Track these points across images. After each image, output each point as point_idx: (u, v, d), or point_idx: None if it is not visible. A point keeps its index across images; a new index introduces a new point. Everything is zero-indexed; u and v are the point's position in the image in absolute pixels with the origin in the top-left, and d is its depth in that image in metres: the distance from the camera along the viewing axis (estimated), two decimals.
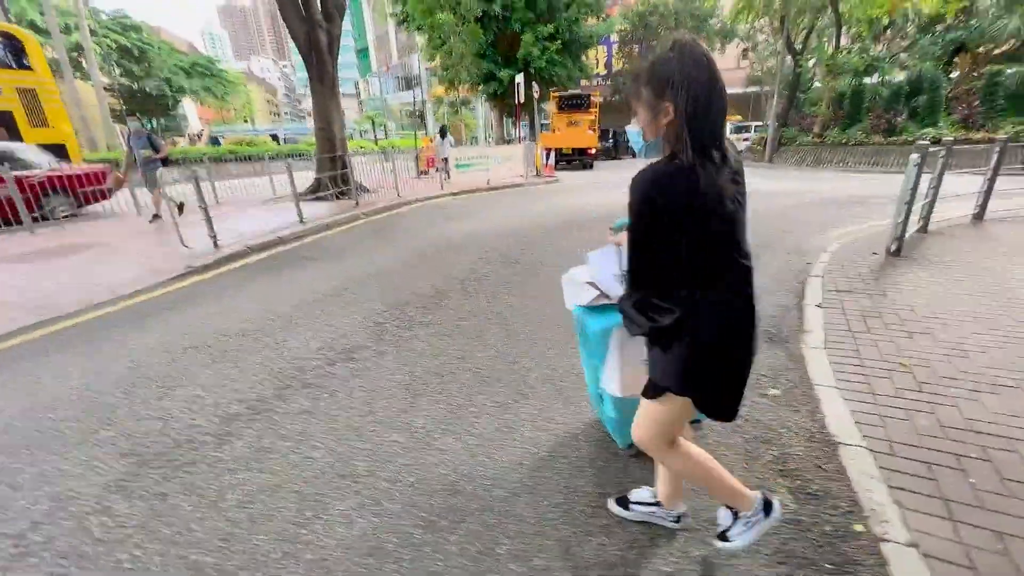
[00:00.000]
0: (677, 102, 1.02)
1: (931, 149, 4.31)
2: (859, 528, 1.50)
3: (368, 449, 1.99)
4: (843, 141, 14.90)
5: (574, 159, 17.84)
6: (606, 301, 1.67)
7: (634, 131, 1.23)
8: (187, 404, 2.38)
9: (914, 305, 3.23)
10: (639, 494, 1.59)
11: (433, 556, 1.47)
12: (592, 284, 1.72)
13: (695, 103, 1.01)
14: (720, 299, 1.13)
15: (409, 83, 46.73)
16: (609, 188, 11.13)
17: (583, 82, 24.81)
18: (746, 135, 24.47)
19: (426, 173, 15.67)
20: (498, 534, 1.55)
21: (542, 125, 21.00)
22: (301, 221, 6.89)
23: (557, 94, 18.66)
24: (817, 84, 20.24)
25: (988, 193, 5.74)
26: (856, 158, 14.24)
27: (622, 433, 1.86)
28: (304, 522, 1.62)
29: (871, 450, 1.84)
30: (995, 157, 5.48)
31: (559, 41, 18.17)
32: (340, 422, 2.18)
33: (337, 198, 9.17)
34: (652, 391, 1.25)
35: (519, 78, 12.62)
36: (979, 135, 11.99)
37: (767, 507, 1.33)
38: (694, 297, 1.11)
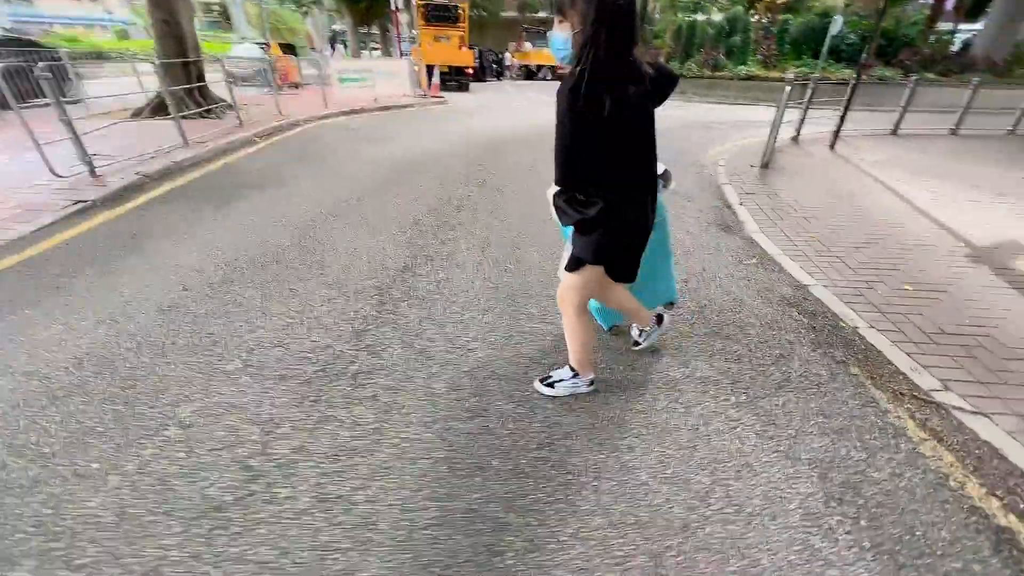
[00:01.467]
0: (600, 8, 1.13)
1: (788, 87, 5.69)
2: (843, 325, 2.47)
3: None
4: (683, 74, 17.29)
5: (451, 79, 16.97)
6: None
7: (561, 36, 1.24)
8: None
9: (794, 201, 4.55)
10: (560, 373, 1.88)
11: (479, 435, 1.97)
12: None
13: (618, 18, 1.15)
14: (632, 195, 1.42)
15: None
16: (505, 111, 11.24)
17: None
18: None
19: (281, 88, 13.33)
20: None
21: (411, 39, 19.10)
22: (186, 143, 5.62)
23: (423, 3, 17.00)
24: (656, 14, 22.44)
25: (801, 121, 7.74)
26: (693, 89, 16.77)
27: (604, 317, 2.30)
28: None
29: (824, 287, 2.87)
30: (809, 93, 7.36)
31: None
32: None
33: (198, 117, 7.45)
34: (573, 264, 1.55)
35: None
36: (775, 73, 15.25)
37: (659, 320, 2.07)
38: (614, 193, 1.37)
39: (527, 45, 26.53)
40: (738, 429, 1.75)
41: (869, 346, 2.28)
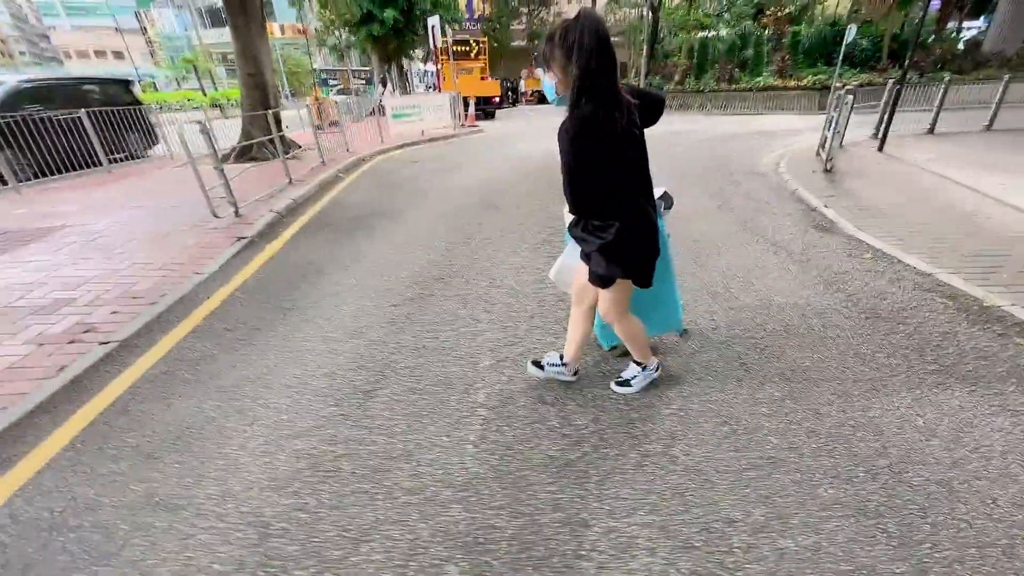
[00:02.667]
0: (579, 63, 1.29)
1: (840, 94, 6.10)
2: (988, 304, 2.76)
3: None
4: (700, 88, 17.93)
5: (479, 108, 17.83)
6: None
7: (549, 84, 1.45)
8: None
9: (874, 200, 4.88)
10: (550, 358, 2.13)
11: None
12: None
13: (593, 63, 1.29)
14: (641, 209, 1.57)
15: (219, 17, 38.59)
16: (541, 137, 11.83)
17: (454, 26, 24.11)
18: None
19: (320, 128, 14.13)
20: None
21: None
22: (291, 182, 6.14)
23: (446, 38, 18.01)
24: (663, 35, 23.34)
25: (845, 127, 8.12)
26: (713, 103, 17.38)
27: (607, 336, 2.35)
28: None
29: (949, 273, 3.16)
30: (851, 100, 7.76)
31: None
32: None
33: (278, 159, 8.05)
34: (606, 282, 1.68)
35: (433, 20, 11.98)
36: (792, 83, 15.79)
37: (658, 367, 2.09)
38: (624, 212, 1.51)
39: (539, 72, 27.75)
40: (951, 396, 2.05)
41: (1022, 321, 2.57)
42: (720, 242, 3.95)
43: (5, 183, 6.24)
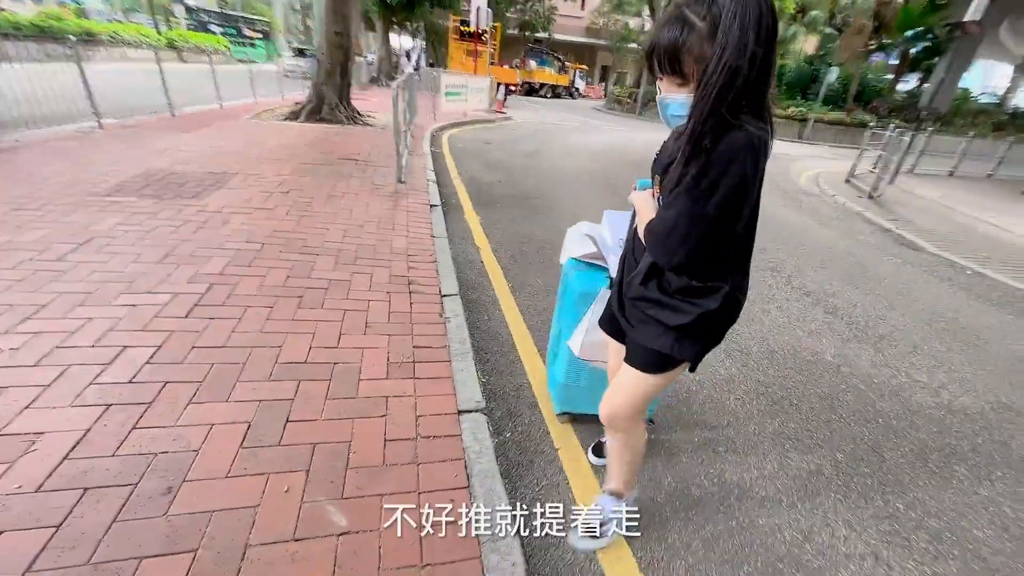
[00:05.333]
0: (745, 53, 0.78)
1: (891, 134, 7.26)
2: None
3: None
4: None
5: None
6: (596, 261, 1.65)
7: (678, 101, 0.91)
8: None
9: (930, 226, 6.00)
10: (595, 511, 1.47)
11: None
12: (591, 238, 1.63)
13: (763, 54, 0.80)
14: (748, 268, 1.09)
15: None
16: (572, 127, 12.31)
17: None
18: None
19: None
20: None
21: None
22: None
23: (457, 20, 17.78)
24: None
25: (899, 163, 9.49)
26: None
27: (561, 399, 1.86)
28: None
29: None
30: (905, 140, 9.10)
31: None
32: None
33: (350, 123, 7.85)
34: (661, 366, 1.15)
35: (479, 2, 11.92)
36: (779, 111, 17.63)
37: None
38: (737, 272, 1.05)
39: (531, 63, 28.09)
40: None
41: None
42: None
43: None
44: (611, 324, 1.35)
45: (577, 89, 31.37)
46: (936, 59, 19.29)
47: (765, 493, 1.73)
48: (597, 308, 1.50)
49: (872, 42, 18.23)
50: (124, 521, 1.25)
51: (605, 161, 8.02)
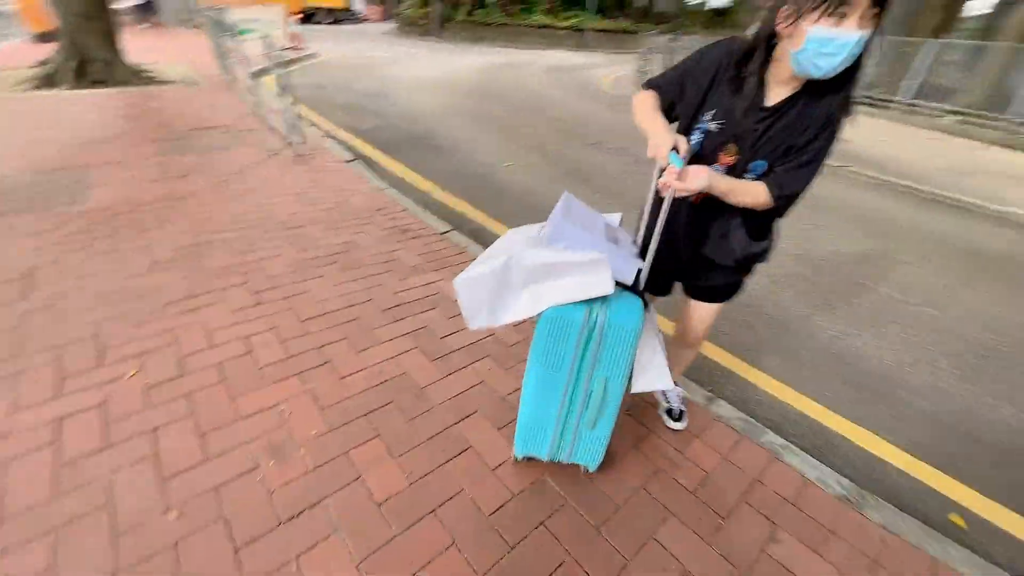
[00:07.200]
0: None
1: (655, 39, 9.21)
2: None
3: None
4: (488, 22, 19.73)
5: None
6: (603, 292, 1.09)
7: (856, 37, 0.84)
8: None
9: None
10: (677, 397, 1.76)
11: None
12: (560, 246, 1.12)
13: None
14: None
15: None
16: (385, 63, 11.80)
17: None
18: None
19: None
20: None
21: None
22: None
23: None
24: None
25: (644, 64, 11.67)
26: (504, 39, 19.50)
27: (530, 437, 1.41)
28: None
29: None
30: (648, 41, 11.23)
31: None
32: None
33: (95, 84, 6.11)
34: (729, 296, 1.42)
35: None
36: (562, 23, 19.39)
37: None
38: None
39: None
40: None
41: None
42: None
43: None
44: (656, 283, 1.41)
45: (356, 12, 28.40)
46: None
47: None
48: (652, 330, 1.26)
49: None
50: None
51: (458, 94, 8.26)
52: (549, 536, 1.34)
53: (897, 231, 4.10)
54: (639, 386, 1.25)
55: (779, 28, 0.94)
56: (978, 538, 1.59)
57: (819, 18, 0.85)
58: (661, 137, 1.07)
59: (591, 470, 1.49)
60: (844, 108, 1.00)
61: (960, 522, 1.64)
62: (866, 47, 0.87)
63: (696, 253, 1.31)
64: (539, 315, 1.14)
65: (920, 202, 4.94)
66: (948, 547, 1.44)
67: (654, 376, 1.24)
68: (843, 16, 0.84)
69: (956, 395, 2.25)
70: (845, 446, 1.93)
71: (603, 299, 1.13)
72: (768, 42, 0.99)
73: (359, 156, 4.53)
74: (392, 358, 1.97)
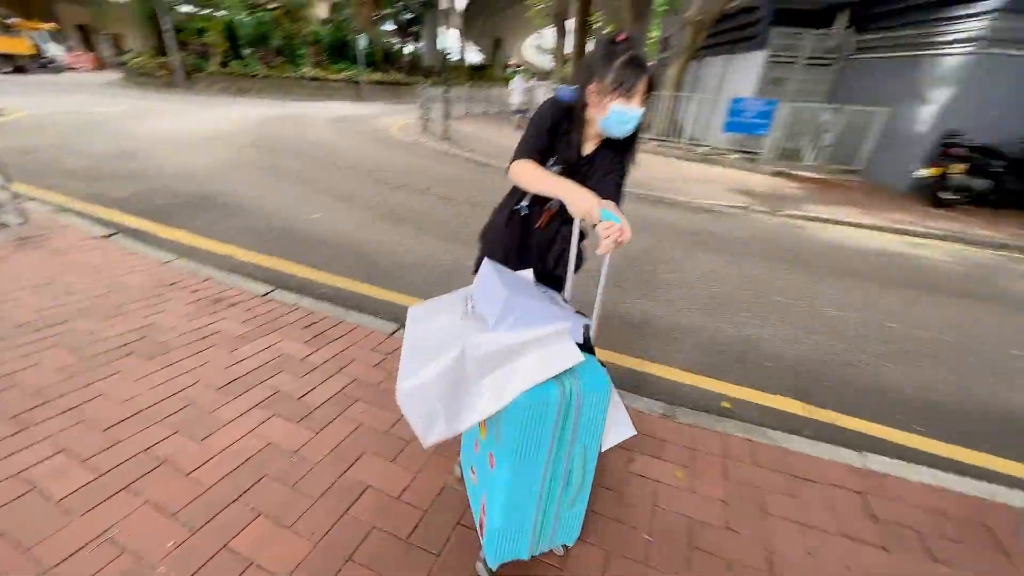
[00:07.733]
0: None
1: (434, 91, 10.19)
2: None
3: None
4: (252, 74, 18.28)
5: None
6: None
7: (640, 111, 1.25)
8: None
9: (481, 146, 9.33)
10: None
11: None
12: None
13: None
14: None
15: None
16: (120, 118, 9.94)
17: None
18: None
19: None
20: None
21: None
22: None
23: None
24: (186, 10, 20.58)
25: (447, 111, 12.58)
26: (271, 91, 18.27)
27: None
28: None
29: None
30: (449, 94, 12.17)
31: None
32: None
33: None
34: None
35: None
36: (334, 75, 19.32)
37: None
38: None
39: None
40: None
41: None
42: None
43: None
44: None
45: (52, 60, 22.68)
46: (419, 27, 25.64)
47: None
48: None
49: (376, 13, 22.18)
50: None
51: (238, 147, 7.45)
52: (468, 531, 1.45)
53: (647, 226, 5.51)
54: (608, 442, 1.18)
55: (589, 101, 1.29)
56: (740, 411, 2.33)
57: (616, 98, 1.22)
58: (581, 195, 1.14)
59: (569, 545, 1.37)
60: (631, 156, 1.43)
61: (728, 405, 2.39)
62: (643, 116, 1.29)
63: (550, 274, 1.48)
64: (503, 407, 1.01)
65: (652, 203, 6.70)
66: (727, 424, 2.10)
67: (621, 427, 1.19)
68: (631, 97, 1.22)
69: (704, 327, 3.20)
70: (652, 379, 2.56)
71: (569, 369, 1.05)
72: (582, 111, 1.32)
73: (120, 229, 3.74)
74: (248, 433, 1.77)
